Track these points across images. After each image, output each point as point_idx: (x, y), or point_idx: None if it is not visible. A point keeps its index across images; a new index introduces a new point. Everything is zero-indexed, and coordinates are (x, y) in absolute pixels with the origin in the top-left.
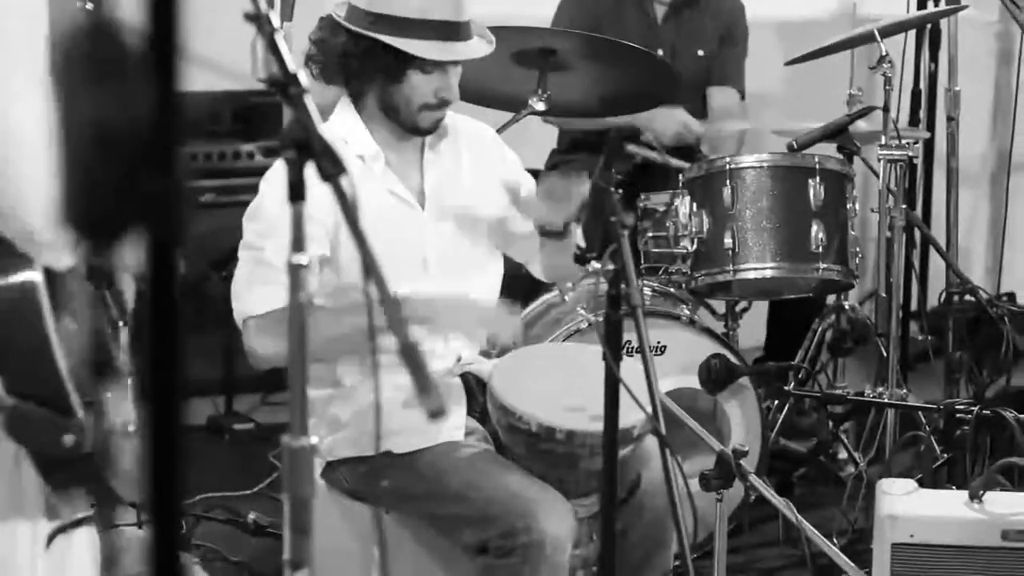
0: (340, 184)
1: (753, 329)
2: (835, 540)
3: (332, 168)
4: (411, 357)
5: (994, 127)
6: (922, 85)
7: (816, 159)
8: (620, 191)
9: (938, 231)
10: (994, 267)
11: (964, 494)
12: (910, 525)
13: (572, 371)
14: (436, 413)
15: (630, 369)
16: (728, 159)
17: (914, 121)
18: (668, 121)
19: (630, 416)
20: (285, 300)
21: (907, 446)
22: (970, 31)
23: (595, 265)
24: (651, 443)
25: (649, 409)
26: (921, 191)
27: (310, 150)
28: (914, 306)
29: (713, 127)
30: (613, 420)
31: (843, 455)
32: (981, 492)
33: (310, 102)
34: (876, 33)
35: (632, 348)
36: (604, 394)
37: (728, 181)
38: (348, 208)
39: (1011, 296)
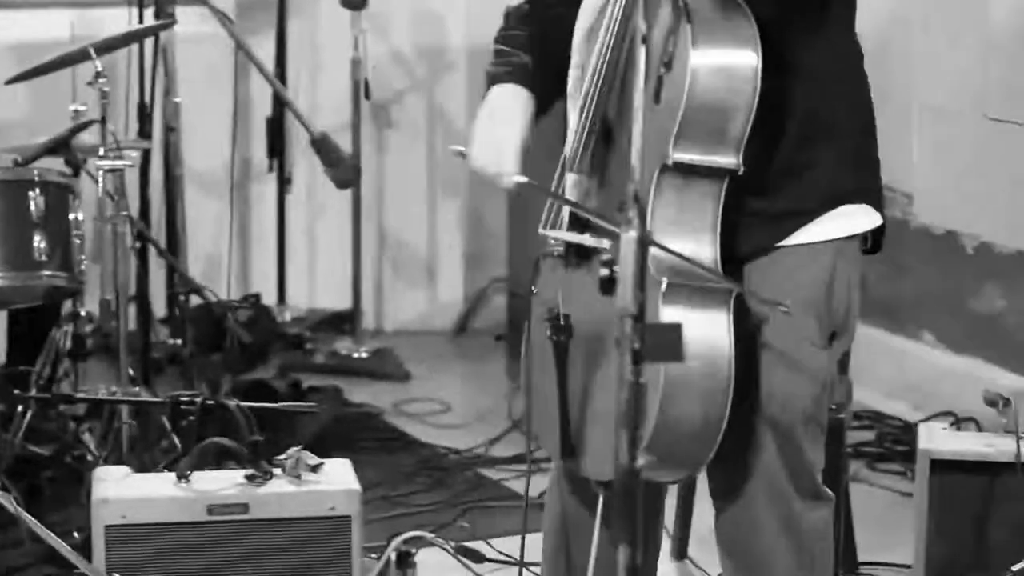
0: None
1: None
2: (76, 534)
3: None
4: None
5: (234, 135)
6: (156, 98)
7: (36, 172)
8: None
9: (185, 238)
10: (242, 271)
11: (174, 476)
12: (121, 507)
13: None
14: None
15: None
16: None
17: (143, 133)
18: None
19: None
20: None
21: (141, 440)
22: (206, 44)
23: None
24: None
25: None
26: (164, 200)
27: None
28: (159, 311)
29: None
30: None
31: (87, 455)
32: (188, 472)
33: None
34: (91, 50)
35: None
36: None
37: None
38: None
39: (256, 297)
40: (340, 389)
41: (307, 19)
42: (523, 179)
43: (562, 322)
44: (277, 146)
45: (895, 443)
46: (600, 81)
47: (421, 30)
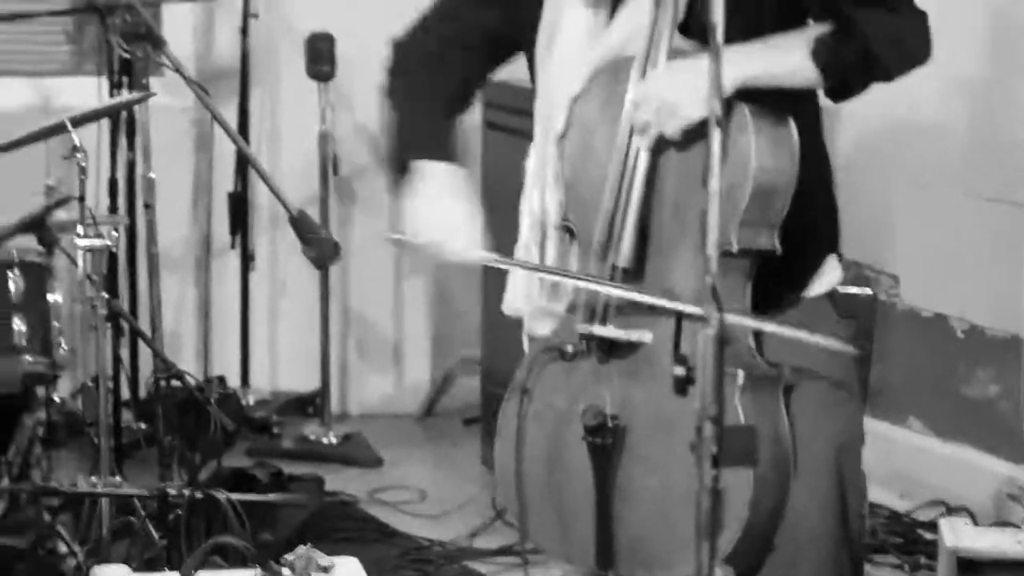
0: None
1: None
2: None
3: None
4: None
5: (195, 211)
6: (119, 173)
7: (14, 252)
8: None
9: (146, 318)
10: (203, 351)
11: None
12: None
13: None
14: None
15: None
16: None
17: (113, 209)
18: None
19: None
20: None
21: (122, 533)
22: (165, 117)
23: None
24: None
25: None
26: (127, 278)
27: None
28: (126, 394)
29: None
30: None
31: (62, 548)
32: (193, 571)
33: None
34: (67, 123)
35: None
36: None
37: None
38: None
39: (221, 379)
40: (322, 479)
41: (270, 89)
42: (489, 255)
43: (609, 424)
44: (240, 222)
45: (890, 534)
46: (633, 168)
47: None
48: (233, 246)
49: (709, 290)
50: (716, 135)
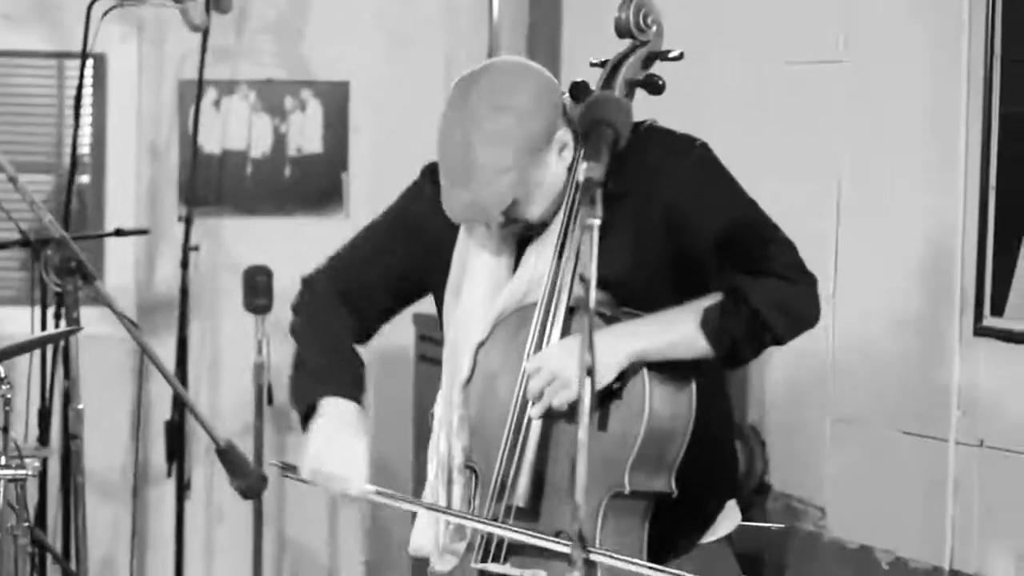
0: None
1: None
2: None
3: None
4: None
5: (132, 439)
6: (55, 402)
7: None
8: None
9: (85, 549)
10: None
11: None
12: None
13: None
14: None
15: None
16: None
17: (43, 439)
18: None
19: None
20: None
21: None
22: (103, 347)
23: None
24: None
25: None
26: (61, 508)
27: None
28: None
29: None
30: None
31: None
32: None
33: None
34: None
35: None
36: None
37: None
38: None
39: None
40: None
41: (209, 321)
42: (374, 489)
43: None
44: (176, 450)
45: None
46: (528, 421)
47: None
48: (169, 474)
49: (576, 537)
50: (587, 386)
